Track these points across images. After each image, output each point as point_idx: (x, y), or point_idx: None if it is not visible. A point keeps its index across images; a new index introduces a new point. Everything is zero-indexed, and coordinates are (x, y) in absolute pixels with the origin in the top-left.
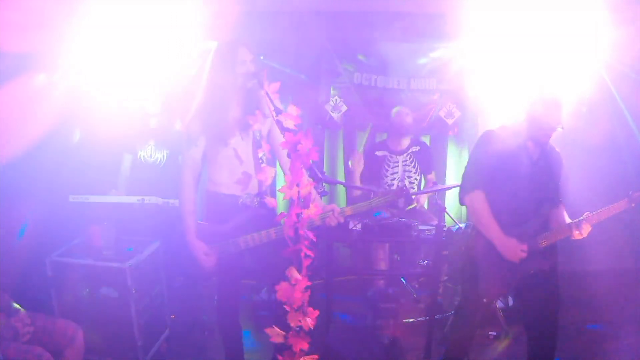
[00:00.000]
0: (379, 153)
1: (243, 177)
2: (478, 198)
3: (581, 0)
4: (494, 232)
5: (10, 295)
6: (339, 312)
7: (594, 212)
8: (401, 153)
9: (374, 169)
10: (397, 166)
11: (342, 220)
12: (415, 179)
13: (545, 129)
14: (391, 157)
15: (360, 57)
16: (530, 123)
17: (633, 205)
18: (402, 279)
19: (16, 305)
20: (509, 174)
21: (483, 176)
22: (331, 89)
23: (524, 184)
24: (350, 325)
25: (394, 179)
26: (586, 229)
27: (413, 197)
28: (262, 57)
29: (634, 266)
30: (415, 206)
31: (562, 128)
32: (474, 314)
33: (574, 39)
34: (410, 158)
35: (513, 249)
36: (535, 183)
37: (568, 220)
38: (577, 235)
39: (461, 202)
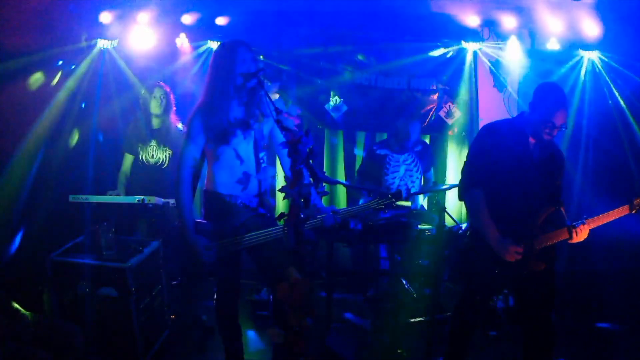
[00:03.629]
0: (380, 151)
1: (243, 177)
2: (476, 196)
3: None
4: (489, 231)
5: (11, 295)
6: (339, 312)
7: (594, 217)
8: (403, 153)
9: (375, 167)
10: (399, 165)
11: (339, 222)
12: (417, 177)
13: (550, 128)
14: (392, 156)
15: (360, 57)
16: (534, 119)
17: (634, 212)
18: (402, 279)
19: (16, 306)
20: (508, 170)
21: (482, 173)
22: (331, 88)
23: (523, 181)
24: (350, 325)
25: (394, 178)
26: (584, 233)
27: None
28: (262, 57)
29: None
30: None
31: (566, 128)
32: (472, 313)
33: (577, 38)
34: (412, 158)
35: (508, 249)
36: (535, 182)
37: (565, 222)
38: (574, 238)
39: (460, 199)
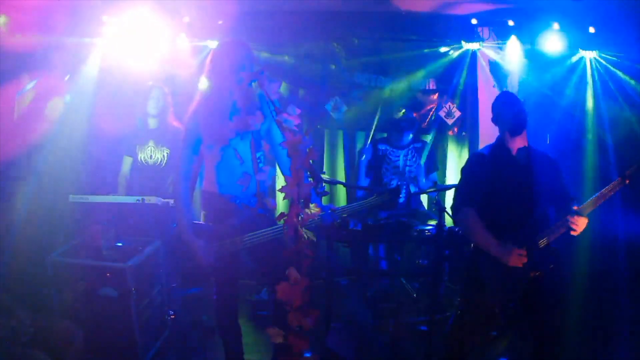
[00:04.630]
0: (381, 147)
1: (242, 177)
2: (468, 215)
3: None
4: (489, 243)
5: (10, 295)
6: (339, 312)
7: (584, 204)
8: (402, 148)
9: (375, 163)
10: (399, 160)
11: (337, 220)
12: (417, 174)
13: (514, 133)
14: (393, 151)
15: (360, 56)
16: (503, 132)
17: (627, 182)
18: (402, 279)
19: (16, 306)
20: (499, 184)
21: (472, 193)
22: (331, 88)
23: (515, 190)
24: (350, 325)
25: (395, 173)
26: (581, 222)
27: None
28: (262, 54)
29: None
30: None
31: (521, 128)
32: (477, 322)
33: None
34: (411, 153)
35: (512, 253)
36: (525, 185)
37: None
38: (573, 227)
39: (454, 224)
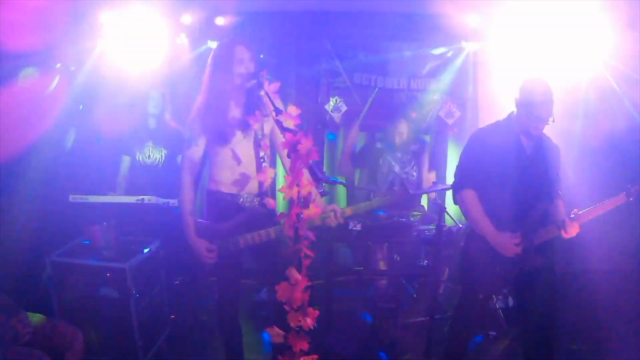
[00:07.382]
0: (379, 145)
1: (241, 177)
2: (468, 196)
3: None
4: (486, 228)
5: (10, 296)
6: (339, 312)
7: (586, 209)
8: (400, 148)
9: (373, 164)
10: (396, 160)
11: (342, 221)
12: (412, 175)
13: (536, 122)
14: (390, 150)
15: (360, 57)
16: (521, 116)
17: (631, 199)
18: (402, 279)
19: (16, 306)
20: (501, 169)
21: (473, 174)
22: (331, 88)
23: (518, 178)
24: (350, 325)
25: (392, 174)
26: (573, 228)
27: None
28: (262, 56)
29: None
30: (420, 215)
31: (553, 120)
32: (473, 312)
33: (573, 36)
34: (408, 156)
35: (507, 243)
36: (530, 177)
37: (562, 216)
38: (564, 234)
39: (454, 202)
